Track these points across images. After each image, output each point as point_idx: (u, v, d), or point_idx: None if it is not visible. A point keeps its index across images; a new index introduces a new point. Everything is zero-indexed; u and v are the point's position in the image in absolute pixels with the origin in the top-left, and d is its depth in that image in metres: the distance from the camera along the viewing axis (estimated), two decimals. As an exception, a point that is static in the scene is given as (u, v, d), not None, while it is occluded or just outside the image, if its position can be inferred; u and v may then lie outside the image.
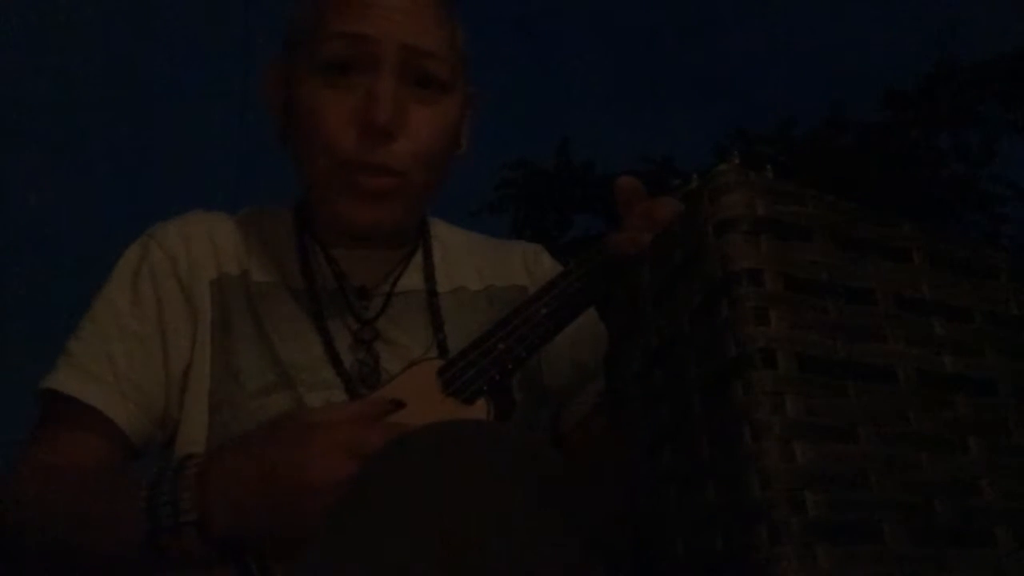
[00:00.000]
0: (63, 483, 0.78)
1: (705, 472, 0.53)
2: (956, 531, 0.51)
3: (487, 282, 0.98)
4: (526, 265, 1.02)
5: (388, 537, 0.49)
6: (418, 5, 0.85)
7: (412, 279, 0.94)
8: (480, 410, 0.79)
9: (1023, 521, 0.53)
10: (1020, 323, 0.62)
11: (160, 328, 0.87)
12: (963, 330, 0.59)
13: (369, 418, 0.72)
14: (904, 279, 0.58)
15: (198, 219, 0.94)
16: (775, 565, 0.46)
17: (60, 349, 0.87)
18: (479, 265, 1.00)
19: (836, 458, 0.50)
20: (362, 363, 0.87)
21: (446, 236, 1.02)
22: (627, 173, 0.80)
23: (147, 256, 0.90)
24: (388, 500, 0.52)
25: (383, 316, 0.90)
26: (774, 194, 0.56)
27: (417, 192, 0.88)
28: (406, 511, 0.50)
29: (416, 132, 0.84)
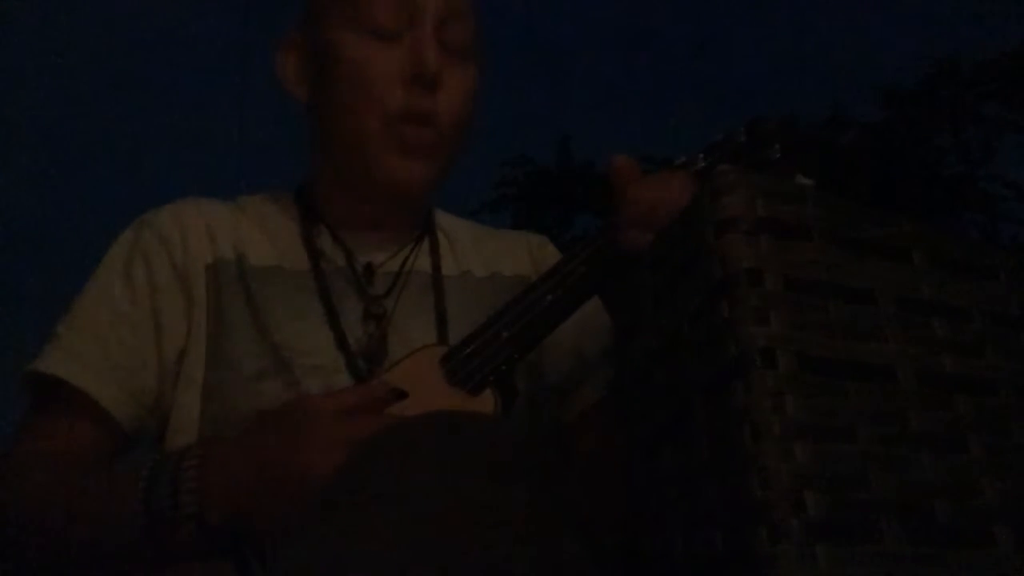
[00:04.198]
0: (57, 474, 0.77)
1: (705, 472, 0.53)
2: (956, 531, 0.51)
3: (492, 269, 0.98)
4: (531, 255, 1.02)
5: (381, 527, 0.48)
6: None
7: (419, 261, 0.94)
8: (487, 401, 0.77)
9: (1023, 521, 0.53)
10: (1020, 323, 0.62)
11: (154, 314, 0.85)
12: (963, 330, 0.59)
13: (368, 408, 0.71)
14: (904, 279, 0.58)
15: (193, 204, 0.93)
16: (775, 565, 0.46)
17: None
18: (485, 253, 1.00)
19: (836, 458, 0.49)
20: (371, 338, 0.86)
21: (450, 224, 1.02)
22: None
23: (140, 241, 0.88)
24: (380, 492, 0.51)
25: (391, 295, 0.90)
26: (774, 194, 0.56)
27: (449, 154, 0.89)
28: (399, 504, 0.49)
29: (453, 90, 0.87)
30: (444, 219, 1.02)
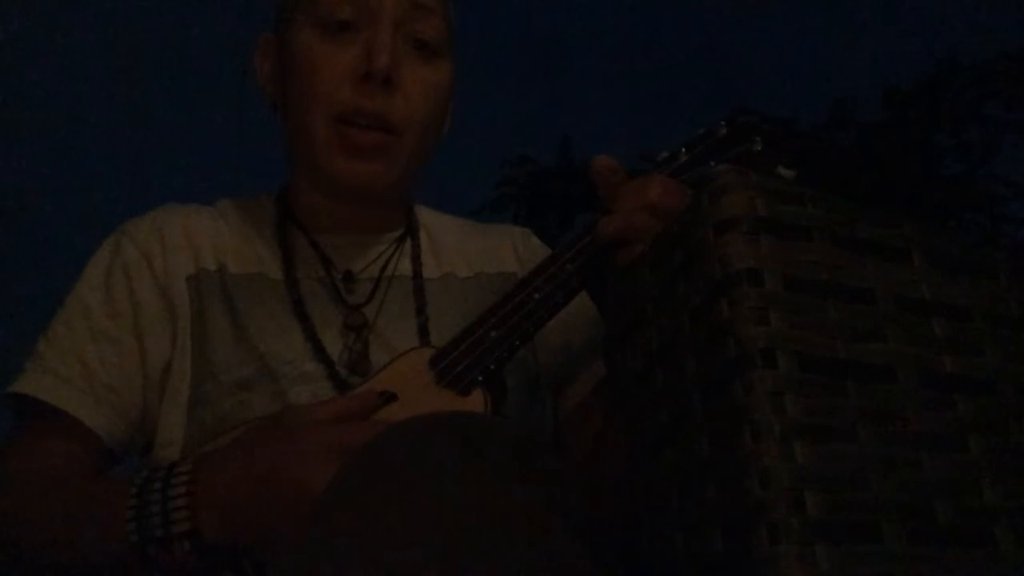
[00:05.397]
0: (43, 494, 0.75)
1: (705, 472, 0.53)
2: (956, 531, 0.51)
3: (476, 268, 0.97)
4: (515, 250, 1.01)
5: (381, 530, 0.48)
6: None
7: (400, 265, 0.93)
8: (477, 401, 0.77)
9: (1023, 521, 0.53)
10: (1020, 323, 0.62)
11: (135, 328, 0.84)
12: (963, 330, 0.59)
13: (358, 414, 0.71)
14: (904, 279, 0.58)
15: (172, 212, 0.91)
16: (775, 565, 0.46)
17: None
18: (468, 251, 0.98)
19: (836, 458, 0.50)
20: (351, 350, 0.85)
21: (433, 222, 1.01)
22: (628, 172, 0.79)
23: (119, 254, 0.87)
24: (379, 495, 0.51)
25: (371, 303, 0.89)
26: (774, 194, 0.56)
27: (407, 156, 0.87)
28: (398, 506, 0.49)
29: (411, 90, 0.85)
30: (427, 215, 1.01)
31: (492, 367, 0.78)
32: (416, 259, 0.94)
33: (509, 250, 1.00)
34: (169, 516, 0.66)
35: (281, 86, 0.90)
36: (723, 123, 0.81)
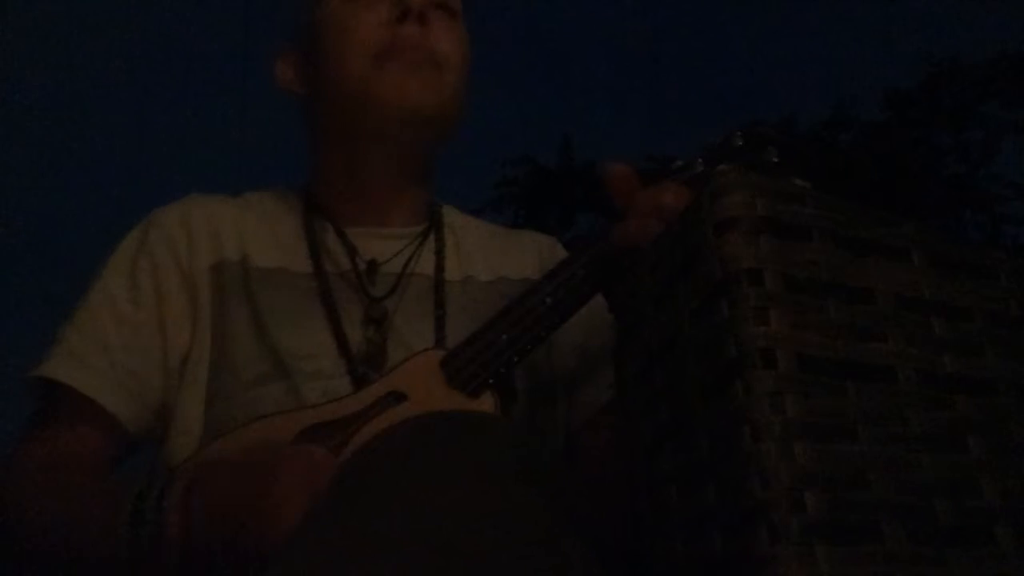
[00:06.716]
0: (52, 487, 0.76)
1: (705, 472, 0.53)
2: (956, 531, 0.51)
3: (498, 273, 0.97)
4: (540, 258, 1.01)
5: (382, 532, 0.48)
6: None
7: (423, 263, 0.93)
8: (486, 403, 0.78)
9: (1023, 521, 0.53)
10: (1020, 323, 0.62)
11: (159, 316, 0.85)
12: (963, 330, 0.59)
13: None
14: (904, 279, 0.58)
15: (198, 203, 0.92)
16: (775, 565, 0.46)
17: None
18: (491, 256, 0.99)
19: (836, 458, 0.49)
20: (371, 342, 0.86)
21: (459, 223, 1.01)
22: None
23: (146, 243, 0.88)
24: (379, 494, 0.51)
25: (392, 296, 0.89)
26: (774, 194, 0.56)
27: (451, 91, 0.89)
28: (397, 506, 0.49)
29: (442, 33, 0.89)
30: (454, 216, 1.01)
31: (502, 370, 0.79)
32: (439, 257, 0.94)
33: (534, 258, 1.01)
34: (162, 520, 0.66)
35: (309, 73, 0.92)
36: (739, 133, 0.82)
